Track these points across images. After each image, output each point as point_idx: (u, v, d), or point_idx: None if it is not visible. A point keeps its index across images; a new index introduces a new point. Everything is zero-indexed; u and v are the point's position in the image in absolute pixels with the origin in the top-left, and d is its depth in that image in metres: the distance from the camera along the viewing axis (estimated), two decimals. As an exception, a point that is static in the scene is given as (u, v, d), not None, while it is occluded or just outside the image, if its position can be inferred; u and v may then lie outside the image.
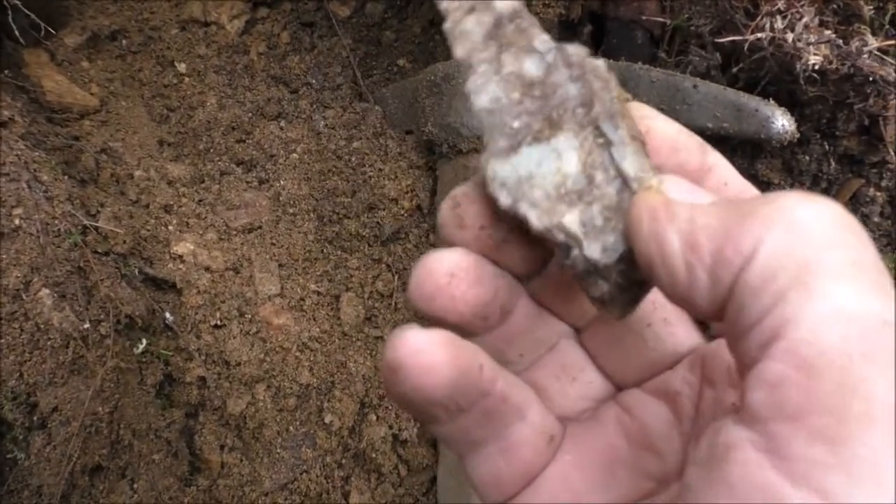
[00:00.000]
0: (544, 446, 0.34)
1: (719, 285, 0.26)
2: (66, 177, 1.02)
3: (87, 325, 0.93)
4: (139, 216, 1.10)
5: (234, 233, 1.17)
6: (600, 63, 0.33)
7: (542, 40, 0.33)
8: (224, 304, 1.11)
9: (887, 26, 0.92)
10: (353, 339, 1.16)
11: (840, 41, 0.86)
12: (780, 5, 0.84)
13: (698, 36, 0.99)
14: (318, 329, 1.15)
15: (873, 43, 0.87)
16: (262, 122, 1.28)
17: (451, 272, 0.32)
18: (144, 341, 1.02)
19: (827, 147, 1.00)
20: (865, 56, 0.86)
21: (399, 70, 1.36)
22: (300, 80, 1.33)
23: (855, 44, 0.86)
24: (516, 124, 0.32)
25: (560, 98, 0.32)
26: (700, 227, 0.27)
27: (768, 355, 0.24)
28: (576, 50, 0.33)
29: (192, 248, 1.12)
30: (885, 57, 0.89)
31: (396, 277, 1.20)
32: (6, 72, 1.09)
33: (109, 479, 0.97)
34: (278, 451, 1.09)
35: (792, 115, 0.93)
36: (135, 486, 0.99)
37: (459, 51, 0.33)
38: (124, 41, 1.27)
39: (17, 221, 0.90)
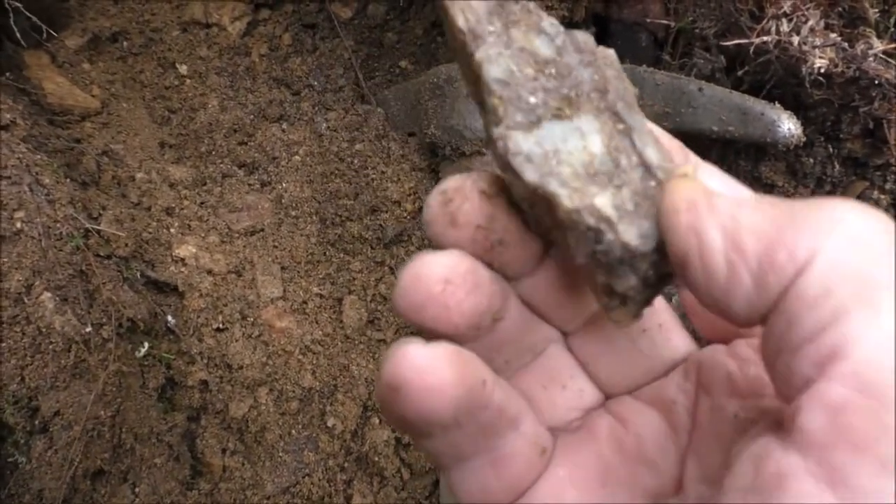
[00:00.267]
0: (536, 458, 0.32)
1: (765, 291, 0.24)
2: (67, 179, 1.01)
3: (88, 329, 0.92)
4: (141, 219, 1.10)
5: (237, 235, 1.17)
6: (611, 52, 0.31)
7: (550, 23, 0.31)
8: (226, 307, 1.10)
9: (893, 29, 0.92)
10: (356, 342, 1.16)
11: (845, 44, 0.86)
12: (786, 8, 0.83)
13: (703, 38, 0.99)
14: (320, 332, 1.14)
15: (879, 46, 0.86)
16: (264, 124, 1.28)
17: (445, 278, 0.29)
18: (146, 345, 1.02)
19: (831, 150, 1.00)
20: (871, 59, 0.86)
21: (401, 72, 1.35)
22: (302, 81, 1.32)
23: (860, 47, 0.86)
24: (533, 100, 0.29)
25: (575, 80, 0.30)
26: (745, 225, 0.25)
27: (827, 375, 0.22)
28: (584, 37, 0.31)
29: (194, 250, 1.11)
30: (890, 60, 0.89)
31: (399, 280, 1.19)
32: (7, 74, 1.09)
33: (111, 483, 0.96)
34: (280, 454, 1.09)
35: (796, 117, 0.93)
36: (136, 490, 0.98)
37: (463, 22, 0.30)
38: (125, 43, 1.27)
39: (18, 225, 0.90)
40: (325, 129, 1.28)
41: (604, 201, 0.28)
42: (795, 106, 0.96)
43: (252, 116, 1.27)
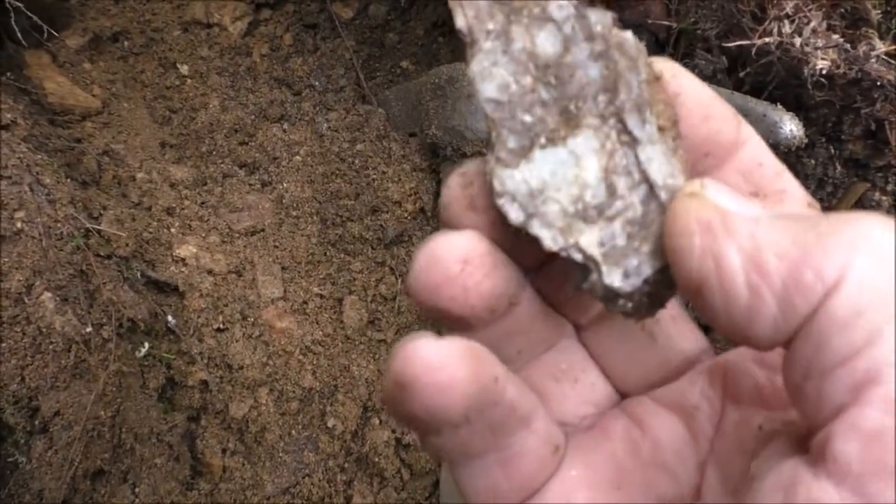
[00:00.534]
0: (548, 457, 0.30)
1: (792, 314, 0.23)
2: (68, 179, 1.01)
3: (89, 329, 0.92)
4: (141, 219, 1.10)
5: (237, 235, 1.17)
6: (628, 36, 0.28)
7: (559, 5, 0.28)
8: (227, 307, 1.10)
9: (895, 30, 0.91)
10: (356, 342, 1.16)
11: (847, 46, 0.86)
12: (788, 9, 0.83)
13: (704, 39, 0.99)
14: (320, 332, 1.14)
15: (881, 47, 0.86)
16: (265, 124, 1.28)
17: (464, 258, 0.28)
18: (147, 345, 1.02)
19: (832, 151, 1.00)
20: (873, 60, 0.86)
21: (402, 72, 1.35)
22: (303, 82, 1.32)
23: (862, 48, 0.86)
24: (528, 119, 0.28)
25: (579, 84, 0.28)
26: (766, 245, 0.23)
27: (862, 401, 0.21)
28: (599, 17, 0.28)
29: (194, 250, 1.11)
30: (892, 61, 0.89)
31: (400, 280, 1.19)
32: (8, 74, 1.09)
33: (111, 484, 0.96)
34: (280, 455, 1.09)
35: (798, 119, 0.93)
36: (136, 490, 0.98)
37: (462, 20, 0.28)
38: (126, 42, 1.27)
39: (19, 224, 0.90)
40: (326, 129, 1.28)
41: (589, 240, 0.28)
42: (797, 107, 0.96)
43: (253, 116, 1.27)
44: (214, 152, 1.23)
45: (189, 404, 1.06)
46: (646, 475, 0.31)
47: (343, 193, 1.21)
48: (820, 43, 0.84)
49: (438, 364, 0.25)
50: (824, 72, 0.86)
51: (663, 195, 0.28)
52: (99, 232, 1.00)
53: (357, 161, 1.22)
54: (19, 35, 1.07)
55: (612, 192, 0.28)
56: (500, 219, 0.29)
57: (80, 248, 0.96)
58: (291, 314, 1.13)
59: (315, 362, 1.12)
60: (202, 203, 1.18)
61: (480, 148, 1.12)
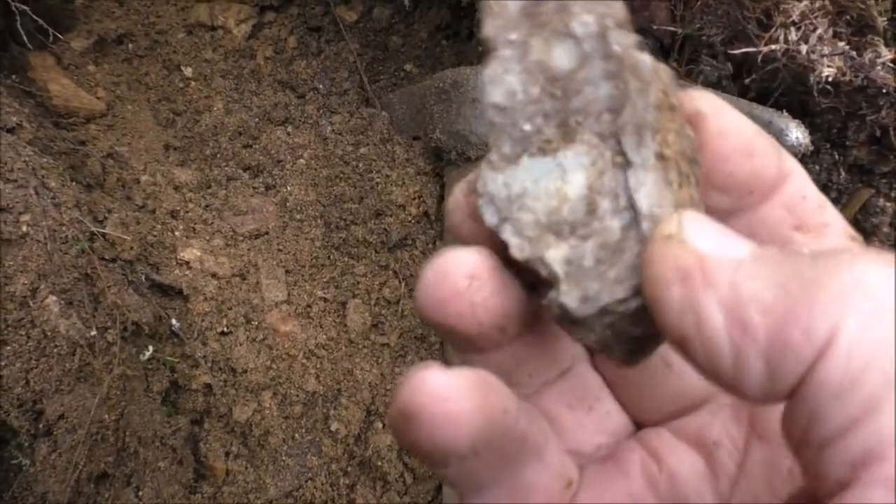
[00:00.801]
0: (560, 492, 0.29)
1: (781, 378, 0.21)
2: (73, 182, 1.01)
3: (93, 333, 0.92)
4: (146, 222, 1.10)
5: (241, 239, 1.17)
6: (646, 59, 0.28)
7: (583, 23, 0.28)
8: (231, 310, 1.10)
9: (900, 38, 0.92)
10: (360, 346, 1.16)
11: (853, 53, 0.86)
12: (794, 17, 0.83)
13: (710, 46, 0.99)
14: (324, 336, 1.14)
15: (887, 55, 0.86)
16: (269, 127, 1.28)
17: (471, 274, 0.27)
18: (151, 348, 1.02)
19: (837, 157, 1.00)
20: (878, 68, 0.86)
21: (406, 75, 1.35)
22: (307, 85, 1.32)
23: (868, 55, 0.86)
24: (527, 127, 0.27)
25: (584, 100, 0.27)
26: (749, 298, 0.21)
27: (864, 481, 0.19)
28: (620, 38, 0.28)
29: (198, 254, 1.11)
30: (897, 68, 0.89)
31: (403, 284, 1.19)
32: (13, 76, 1.09)
33: (115, 487, 0.96)
34: (284, 458, 1.09)
35: (803, 126, 0.93)
36: (140, 493, 0.98)
37: (489, 28, 0.28)
38: (131, 45, 1.27)
39: (24, 228, 0.90)
40: (330, 132, 1.28)
41: (555, 255, 0.26)
42: (802, 114, 0.96)
43: (257, 119, 1.27)
44: (218, 155, 1.23)
45: (193, 408, 1.06)
46: None
47: (347, 197, 1.21)
48: (826, 50, 0.85)
49: (446, 395, 0.25)
50: (830, 79, 0.86)
51: (645, 225, 0.26)
52: (103, 235, 1.00)
53: (361, 164, 1.22)
54: (24, 37, 1.07)
55: (591, 211, 0.27)
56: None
57: (85, 252, 0.96)
58: (295, 318, 1.13)
59: (318, 366, 1.12)
60: (206, 206, 1.18)
61: (484, 152, 1.12)
